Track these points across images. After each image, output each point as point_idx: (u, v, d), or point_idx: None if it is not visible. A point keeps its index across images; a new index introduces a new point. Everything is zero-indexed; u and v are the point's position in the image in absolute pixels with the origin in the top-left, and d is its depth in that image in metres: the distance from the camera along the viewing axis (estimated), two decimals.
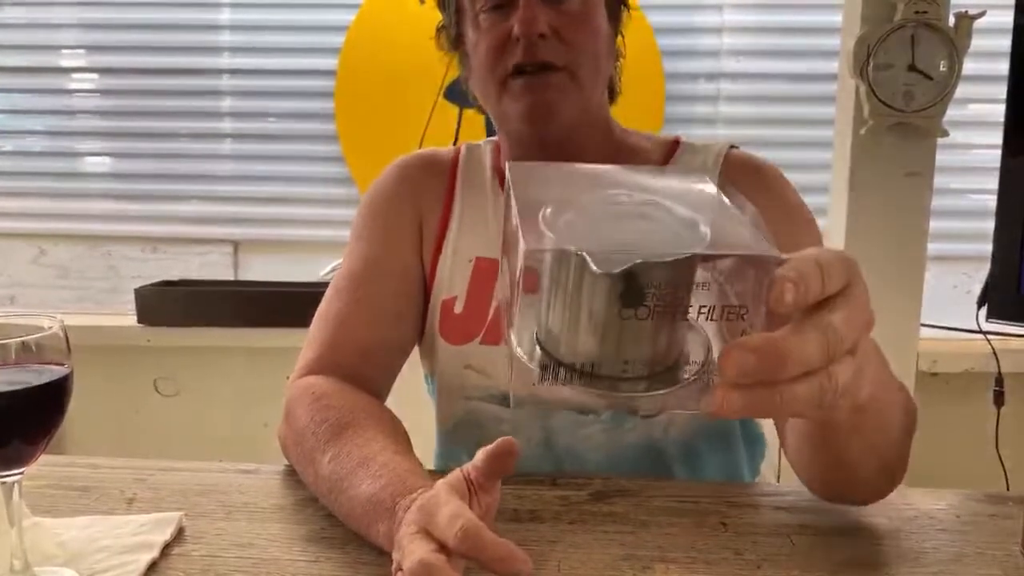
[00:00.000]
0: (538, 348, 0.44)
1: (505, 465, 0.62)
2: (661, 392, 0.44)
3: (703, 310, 0.42)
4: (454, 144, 1.19)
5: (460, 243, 0.99)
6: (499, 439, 0.62)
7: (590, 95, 0.93)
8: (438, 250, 1.00)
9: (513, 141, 0.98)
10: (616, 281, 0.40)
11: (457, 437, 1.01)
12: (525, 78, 0.90)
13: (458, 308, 0.97)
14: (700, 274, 0.42)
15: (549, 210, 0.42)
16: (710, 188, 0.49)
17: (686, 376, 0.44)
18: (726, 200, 0.47)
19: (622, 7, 0.99)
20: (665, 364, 0.44)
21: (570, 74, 0.90)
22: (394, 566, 0.60)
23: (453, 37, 0.99)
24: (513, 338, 0.45)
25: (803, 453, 0.76)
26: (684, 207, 0.44)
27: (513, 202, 0.44)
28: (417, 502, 0.62)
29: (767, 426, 1.05)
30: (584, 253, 0.40)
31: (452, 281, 0.98)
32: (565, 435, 0.96)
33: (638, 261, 0.40)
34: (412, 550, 0.56)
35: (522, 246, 0.40)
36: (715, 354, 0.45)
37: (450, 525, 0.56)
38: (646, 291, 0.40)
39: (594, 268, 0.40)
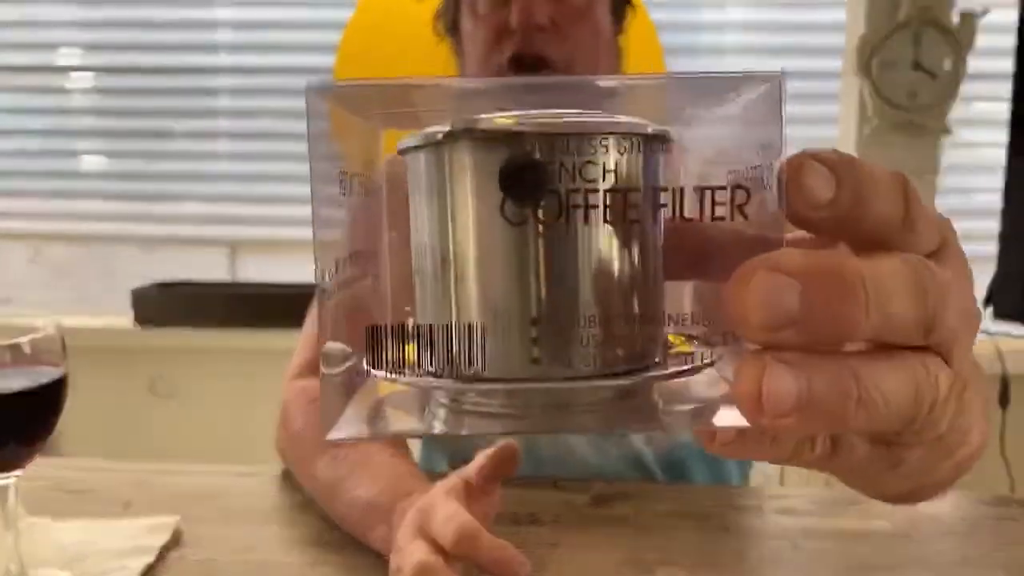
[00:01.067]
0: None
1: (506, 469, 0.62)
2: (618, 382, 0.26)
3: (663, 198, 0.26)
4: None
5: None
6: (501, 443, 0.62)
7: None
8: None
9: None
10: (497, 157, 0.24)
11: (438, 443, 1.00)
12: (522, 73, 0.87)
13: None
14: (651, 159, 0.26)
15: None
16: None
17: (665, 352, 0.27)
18: None
19: (627, 6, 0.97)
20: (619, 329, 0.25)
21: (566, 71, 0.88)
22: (392, 568, 0.59)
23: (450, 23, 0.96)
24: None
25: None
26: None
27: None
28: (415, 504, 0.61)
29: None
30: (448, 130, 0.25)
31: None
32: (549, 445, 0.95)
33: (532, 129, 0.25)
34: (410, 552, 0.56)
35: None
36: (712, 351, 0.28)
37: (446, 527, 0.55)
38: (549, 172, 0.24)
39: (466, 150, 0.25)
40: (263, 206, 2.23)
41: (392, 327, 0.26)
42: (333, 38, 2.16)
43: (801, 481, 1.67)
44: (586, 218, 0.24)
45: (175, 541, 0.73)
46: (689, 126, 0.28)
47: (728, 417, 0.25)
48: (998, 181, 1.30)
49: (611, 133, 0.25)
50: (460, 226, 0.25)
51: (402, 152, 0.27)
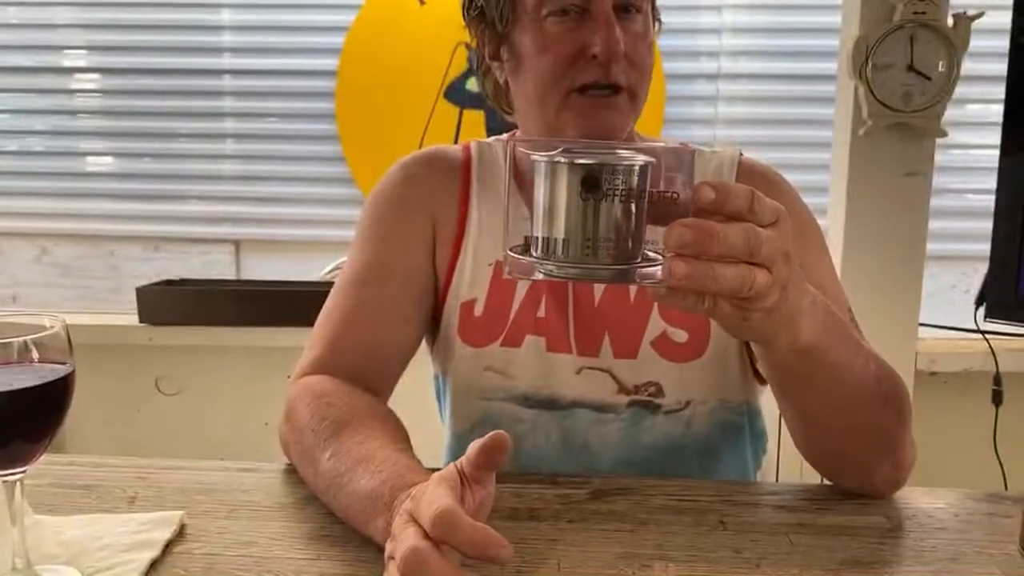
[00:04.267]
0: (523, 241, 0.59)
1: (497, 459, 0.62)
2: (621, 267, 0.56)
3: (644, 195, 0.56)
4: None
5: (480, 246, 0.98)
6: (491, 432, 0.62)
7: (639, 112, 0.93)
8: (456, 253, 0.99)
9: None
10: (578, 172, 0.55)
11: (474, 438, 1.01)
12: (592, 97, 0.88)
13: (478, 311, 0.97)
14: (643, 175, 0.56)
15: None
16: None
17: (641, 259, 0.58)
18: None
19: (657, 22, 0.97)
20: (625, 251, 0.56)
21: (631, 95, 0.89)
22: (386, 555, 0.60)
23: (500, 32, 0.93)
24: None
25: (785, 414, 0.82)
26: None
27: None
28: (411, 493, 0.62)
29: (768, 425, 1.05)
30: (560, 158, 0.56)
31: (472, 284, 0.98)
32: (582, 434, 0.96)
33: (593, 162, 0.55)
34: (403, 538, 0.57)
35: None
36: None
37: (427, 511, 0.56)
38: (601, 181, 0.54)
39: (564, 163, 0.55)
40: (268, 206, 2.24)
41: (529, 238, 0.58)
42: (337, 41, 2.17)
43: (796, 476, 1.68)
44: (614, 199, 0.55)
45: (180, 536, 0.73)
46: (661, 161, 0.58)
47: (661, 277, 0.56)
48: (991, 182, 1.31)
49: (626, 165, 0.55)
50: (558, 197, 0.56)
51: (535, 160, 0.57)
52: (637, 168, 0.55)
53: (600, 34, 0.86)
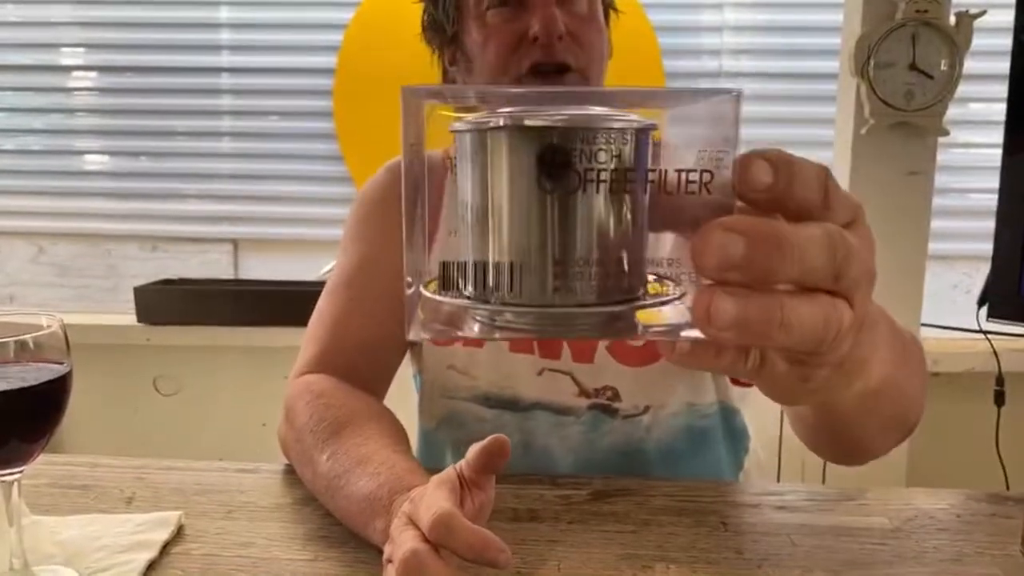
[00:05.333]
0: (441, 268, 0.37)
1: (496, 462, 0.62)
2: (613, 309, 0.34)
3: (650, 176, 0.35)
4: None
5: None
6: (491, 436, 0.62)
7: None
8: (428, 253, 0.99)
9: None
10: (533, 144, 0.33)
11: (440, 436, 1.02)
12: (541, 79, 0.89)
13: None
14: (643, 143, 0.35)
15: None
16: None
17: (646, 288, 0.36)
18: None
19: (610, 10, 1.00)
20: (614, 270, 0.34)
21: (582, 75, 0.90)
22: (384, 558, 0.60)
23: (450, 35, 0.97)
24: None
25: (813, 438, 0.75)
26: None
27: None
28: (410, 496, 0.62)
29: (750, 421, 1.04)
30: (498, 121, 0.34)
31: None
32: (543, 436, 0.96)
33: (561, 124, 0.33)
34: (402, 541, 0.56)
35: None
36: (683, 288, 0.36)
37: (425, 515, 0.56)
38: (572, 157, 0.33)
39: (507, 131, 0.33)
40: (266, 205, 2.23)
41: (450, 263, 0.36)
42: (335, 38, 2.17)
43: (798, 477, 1.68)
44: (597, 190, 0.33)
45: (178, 536, 0.73)
46: (671, 124, 0.37)
47: (687, 332, 0.35)
48: (994, 181, 1.30)
49: (614, 128, 0.33)
50: (498, 191, 0.34)
51: (455, 131, 0.35)
52: (632, 133, 0.34)
53: (537, 15, 0.88)
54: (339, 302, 0.96)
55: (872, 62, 1.63)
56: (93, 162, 2.27)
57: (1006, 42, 1.36)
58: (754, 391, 0.97)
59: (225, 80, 2.21)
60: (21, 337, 0.60)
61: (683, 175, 0.35)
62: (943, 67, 1.62)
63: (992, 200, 1.30)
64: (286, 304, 1.92)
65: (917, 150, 1.69)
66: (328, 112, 2.19)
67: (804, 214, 0.35)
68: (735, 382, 0.98)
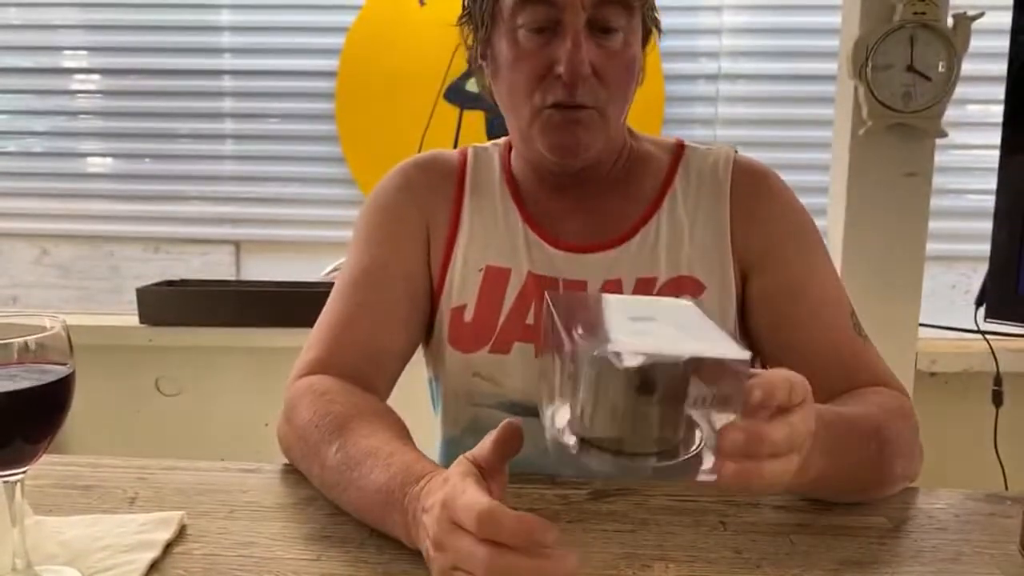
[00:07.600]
0: (572, 430, 0.56)
1: (512, 447, 0.64)
2: (669, 463, 0.55)
3: (702, 399, 0.54)
4: (455, 146, 1.18)
5: (470, 251, 0.98)
6: (501, 423, 0.63)
7: (615, 126, 0.94)
8: (447, 258, 0.99)
9: (533, 157, 0.98)
10: (634, 375, 0.52)
11: (464, 443, 1.01)
12: (560, 113, 0.89)
13: (468, 316, 0.97)
14: (694, 376, 0.54)
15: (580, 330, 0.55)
16: (690, 305, 0.66)
17: (686, 455, 0.56)
18: (703, 314, 0.63)
19: (653, 30, 0.97)
20: (672, 443, 0.55)
21: (600, 112, 0.90)
22: (444, 566, 0.59)
23: (481, 40, 0.96)
24: (552, 419, 0.57)
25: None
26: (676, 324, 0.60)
27: (557, 320, 0.57)
28: (436, 498, 0.62)
29: None
30: (611, 355, 0.52)
31: (462, 289, 0.98)
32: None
33: (649, 362, 0.52)
34: (462, 547, 0.57)
35: (578, 350, 0.53)
36: (704, 440, 0.57)
37: (468, 515, 0.57)
38: (656, 383, 0.52)
39: (619, 366, 0.52)
40: (268, 206, 2.24)
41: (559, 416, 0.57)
42: (336, 42, 2.17)
43: None
44: (665, 399, 0.53)
45: (180, 536, 0.74)
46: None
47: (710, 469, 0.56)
48: (992, 182, 1.31)
49: (679, 360, 0.53)
50: (607, 396, 0.53)
51: (579, 351, 0.53)
52: (683, 364, 0.53)
53: (566, 52, 0.86)
54: (345, 305, 0.96)
55: (870, 64, 1.63)
56: (96, 164, 2.28)
57: (1003, 44, 1.36)
58: None
59: (227, 83, 2.22)
60: (24, 338, 0.60)
61: (716, 399, 0.55)
62: (941, 69, 1.62)
63: (990, 201, 1.30)
64: (288, 305, 1.93)
65: (915, 151, 1.69)
66: (330, 114, 2.20)
67: (780, 408, 0.57)
68: None
